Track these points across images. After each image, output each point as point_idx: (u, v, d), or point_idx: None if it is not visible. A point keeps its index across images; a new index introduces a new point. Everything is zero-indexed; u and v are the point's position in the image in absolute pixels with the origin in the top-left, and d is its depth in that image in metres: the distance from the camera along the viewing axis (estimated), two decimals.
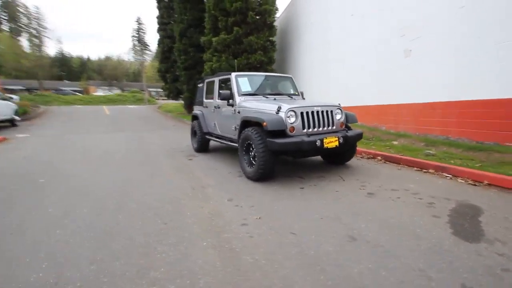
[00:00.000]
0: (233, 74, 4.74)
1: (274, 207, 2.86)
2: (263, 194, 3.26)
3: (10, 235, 2.34)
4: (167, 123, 13.62)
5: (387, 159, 4.71)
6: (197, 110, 6.33)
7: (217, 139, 5.43)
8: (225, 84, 5.17)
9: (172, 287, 1.65)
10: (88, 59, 58.38)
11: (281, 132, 3.60)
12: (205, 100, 5.91)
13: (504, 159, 4.08)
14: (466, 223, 2.37)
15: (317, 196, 3.15)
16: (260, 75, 5.15)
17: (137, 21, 54.75)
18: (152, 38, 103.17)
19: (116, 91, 44.01)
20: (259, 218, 2.60)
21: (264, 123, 3.50)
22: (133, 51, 56.23)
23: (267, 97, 4.63)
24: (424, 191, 3.20)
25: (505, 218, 2.44)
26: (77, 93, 36.56)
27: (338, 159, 4.52)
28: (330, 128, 3.95)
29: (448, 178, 3.70)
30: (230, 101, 4.61)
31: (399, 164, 4.48)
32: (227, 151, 6.17)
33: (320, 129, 3.86)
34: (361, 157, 5.15)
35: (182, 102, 19.03)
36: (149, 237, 2.25)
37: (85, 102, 27.76)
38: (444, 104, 5.67)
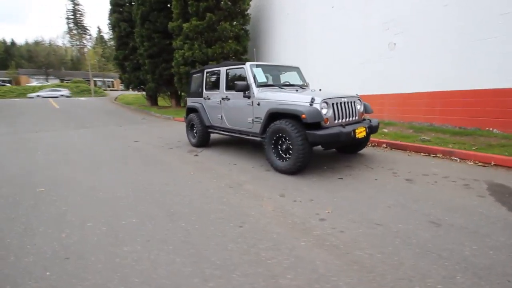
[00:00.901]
0: (248, 64, 4.54)
1: (334, 199, 2.88)
2: (310, 188, 3.25)
3: (66, 260, 1.93)
4: (134, 117, 12.54)
5: (393, 146, 5.07)
6: (193, 102, 5.94)
7: (225, 133, 5.20)
8: (234, 75, 4.94)
9: None
10: (13, 43, 49.97)
11: (315, 124, 3.60)
12: (205, 92, 5.57)
13: (490, 142, 4.71)
14: (510, 200, 2.70)
15: (363, 186, 3.25)
16: (271, 66, 5.02)
17: (71, 1, 48.51)
18: (92, 21, 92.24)
19: (55, 81, 38.71)
20: (330, 212, 2.59)
21: (303, 115, 3.46)
22: (68, 35, 49.78)
23: (283, 88, 4.56)
24: (450, 174, 3.54)
25: None
26: (6, 84, 31.16)
27: (351, 148, 4.70)
28: (354, 118, 4.08)
29: (457, 161, 4.15)
30: (247, 92, 4.42)
31: (406, 150, 4.85)
32: (231, 144, 5.96)
33: (347, 119, 3.96)
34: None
35: (144, 93, 17.67)
36: (240, 243, 2.08)
37: (18, 94, 23.90)
38: (429, 94, 6.28)
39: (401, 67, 6.78)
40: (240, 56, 12.68)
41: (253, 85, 4.39)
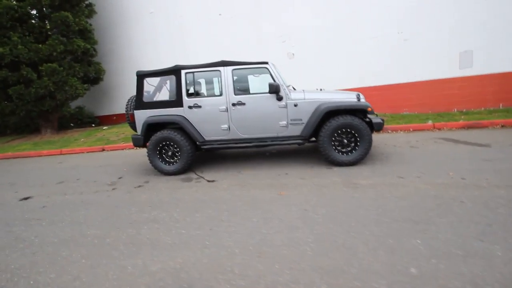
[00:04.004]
0: (271, 63, 4.15)
1: (430, 168, 3.64)
2: (400, 166, 3.82)
3: None
4: None
5: None
6: (159, 115, 4.36)
7: (233, 145, 4.35)
8: (242, 75, 4.31)
9: None
10: None
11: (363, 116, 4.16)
12: (188, 99, 4.28)
13: None
14: (467, 143, 4.73)
15: (410, 157, 4.24)
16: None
17: None
18: None
19: None
20: (452, 174, 3.37)
21: (369, 108, 3.93)
22: None
23: (294, 88, 4.62)
24: (416, 139, 5.33)
25: (475, 147, 5.10)
26: None
27: None
28: None
29: (391, 132, 6.18)
30: (280, 94, 4.09)
31: None
32: (212, 158, 4.92)
33: None
34: None
35: None
36: (499, 214, 2.41)
37: None
38: None
39: (299, 71, 8.44)
40: (90, 59, 9.66)
41: (285, 86, 4.13)
